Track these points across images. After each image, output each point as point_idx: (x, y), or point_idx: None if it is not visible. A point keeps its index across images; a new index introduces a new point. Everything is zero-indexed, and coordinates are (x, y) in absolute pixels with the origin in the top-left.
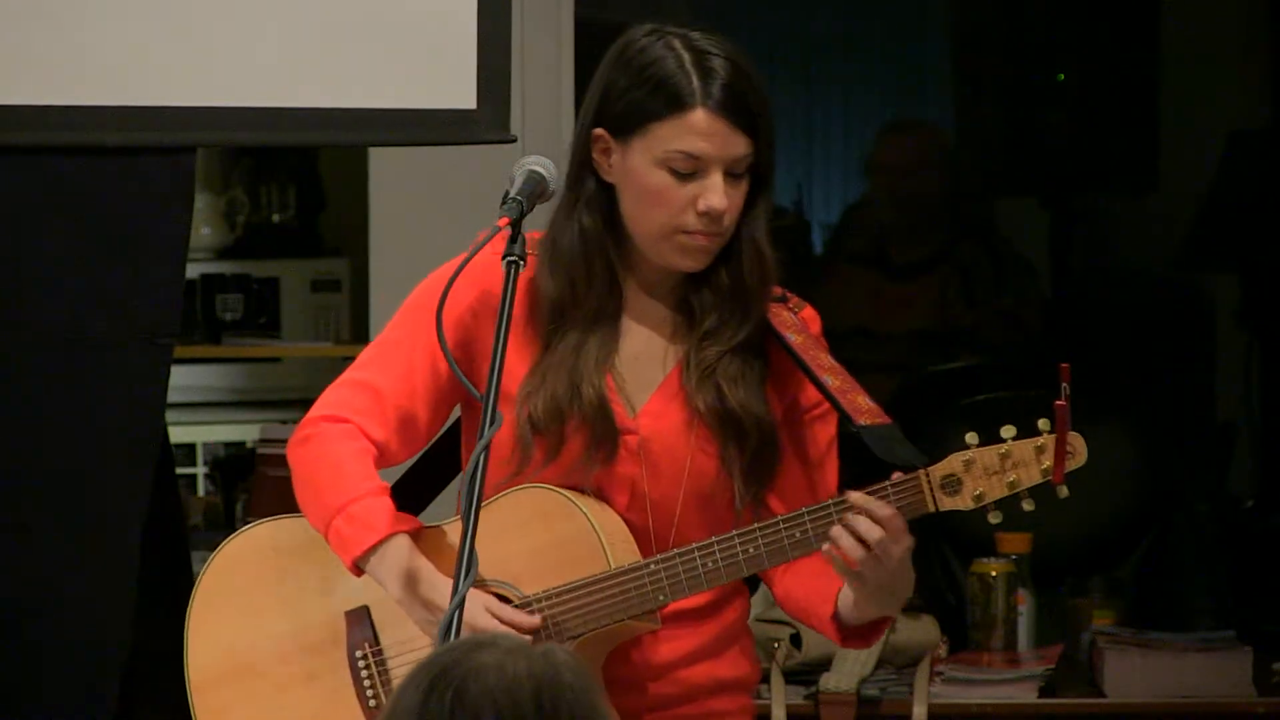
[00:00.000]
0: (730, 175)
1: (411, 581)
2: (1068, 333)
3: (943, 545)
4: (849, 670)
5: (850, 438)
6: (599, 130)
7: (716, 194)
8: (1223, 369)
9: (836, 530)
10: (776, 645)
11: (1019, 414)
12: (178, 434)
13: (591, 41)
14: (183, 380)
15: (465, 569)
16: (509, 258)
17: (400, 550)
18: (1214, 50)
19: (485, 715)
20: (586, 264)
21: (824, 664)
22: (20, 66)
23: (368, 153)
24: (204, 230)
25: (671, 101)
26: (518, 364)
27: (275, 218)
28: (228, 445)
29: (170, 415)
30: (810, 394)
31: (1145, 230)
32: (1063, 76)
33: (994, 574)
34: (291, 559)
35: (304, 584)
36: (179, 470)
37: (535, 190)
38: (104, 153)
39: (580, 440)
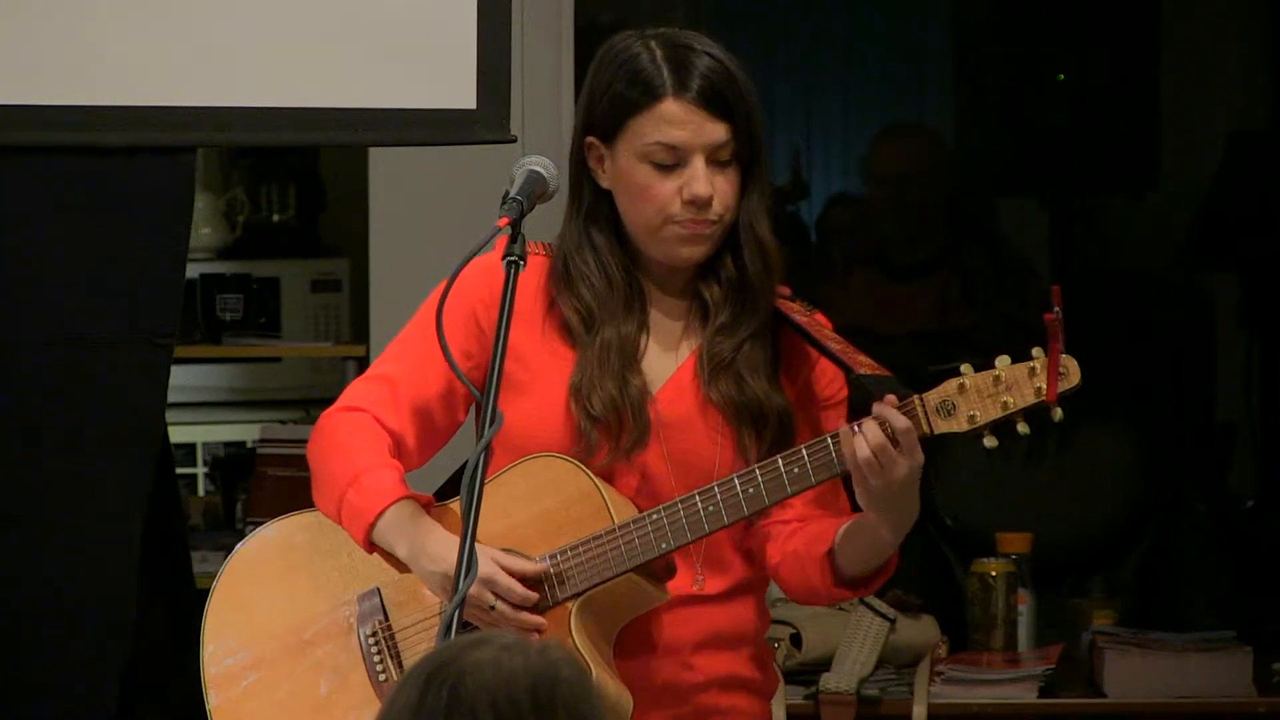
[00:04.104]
0: (715, 163)
1: (418, 538)
2: (1068, 333)
3: (943, 545)
4: (849, 670)
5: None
6: (590, 138)
7: (700, 181)
8: (1223, 369)
9: (845, 430)
10: (776, 645)
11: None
12: (178, 434)
13: (593, 42)
14: (183, 380)
15: (465, 569)
16: (509, 258)
17: (410, 512)
18: (1214, 50)
19: (481, 711)
20: (605, 275)
21: (824, 664)
22: (21, 66)
23: (368, 153)
24: (204, 230)
25: (645, 94)
26: (548, 359)
27: (275, 218)
28: (228, 445)
29: (170, 415)
30: (823, 383)
31: (1145, 230)
32: (1063, 76)
33: (994, 574)
34: (304, 554)
35: (316, 577)
36: (179, 470)
37: (535, 190)
38: (104, 153)
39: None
